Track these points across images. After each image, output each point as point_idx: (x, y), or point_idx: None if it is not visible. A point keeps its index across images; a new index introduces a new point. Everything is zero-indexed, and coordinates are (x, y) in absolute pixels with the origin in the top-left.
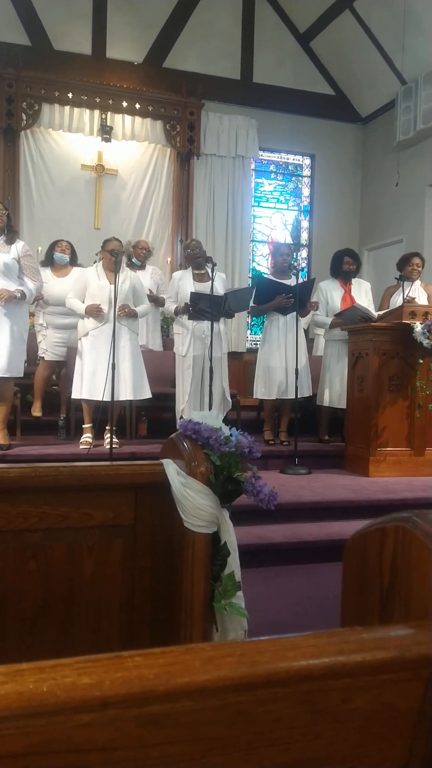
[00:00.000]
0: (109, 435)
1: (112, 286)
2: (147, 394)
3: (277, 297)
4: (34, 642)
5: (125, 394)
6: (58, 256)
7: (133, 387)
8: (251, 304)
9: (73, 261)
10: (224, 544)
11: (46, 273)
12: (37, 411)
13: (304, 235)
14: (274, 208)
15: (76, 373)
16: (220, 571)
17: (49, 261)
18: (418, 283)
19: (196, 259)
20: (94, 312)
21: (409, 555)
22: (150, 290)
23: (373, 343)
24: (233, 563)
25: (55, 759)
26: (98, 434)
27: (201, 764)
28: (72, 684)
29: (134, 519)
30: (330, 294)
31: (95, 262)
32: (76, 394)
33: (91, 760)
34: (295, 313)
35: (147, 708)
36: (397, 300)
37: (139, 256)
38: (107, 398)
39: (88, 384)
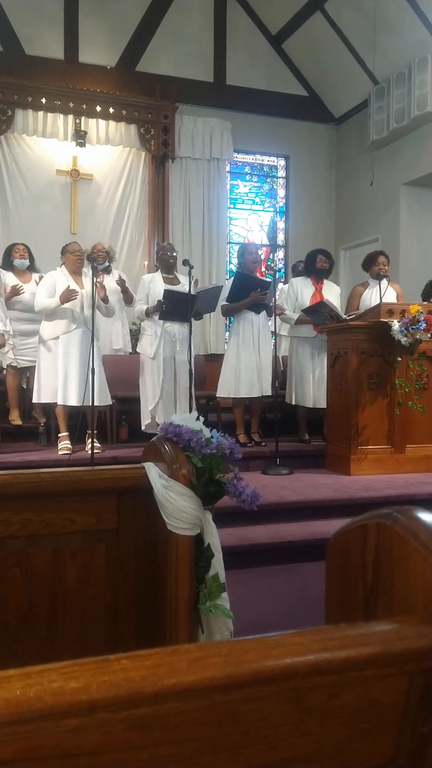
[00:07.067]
0: (90, 440)
1: (84, 290)
2: (109, 400)
3: (252, 293)
4: (19, 650)
5: (96, 399)
6: (19, 263)
7: (98, 393)
8: (224, 302)
9: (32, 266)
10: (208, 545)
11: (9, 277)
12: (16, 419)
13: (281, 236)
14: (250, 209)
15: (42, 376)
16: (205, 573)
17: (8, 266)
18: (385, 281)
19: (169, 263)
20: (67, 296)
21: (391, 551)
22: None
23: (351, 342)
24: (217, 565)
25: (44, 764)
26: (79, 439)
27: (189, 765)
28: (59, 689)
29: (117, 523)
30: (301, 291)
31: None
32: (47, 398)
33: (80, 764)
34: (265, 312)
35: (135, 710)
36: (366, 299)
37: (99, 261)
38: (87, 402)
39: (62, 388)
